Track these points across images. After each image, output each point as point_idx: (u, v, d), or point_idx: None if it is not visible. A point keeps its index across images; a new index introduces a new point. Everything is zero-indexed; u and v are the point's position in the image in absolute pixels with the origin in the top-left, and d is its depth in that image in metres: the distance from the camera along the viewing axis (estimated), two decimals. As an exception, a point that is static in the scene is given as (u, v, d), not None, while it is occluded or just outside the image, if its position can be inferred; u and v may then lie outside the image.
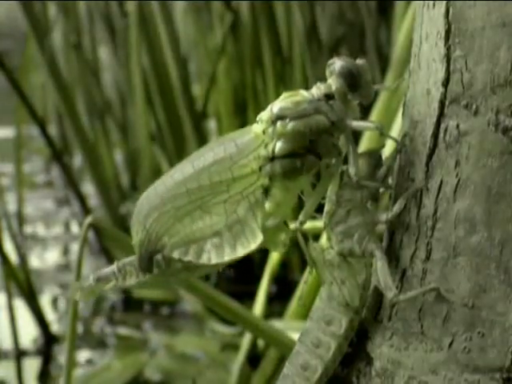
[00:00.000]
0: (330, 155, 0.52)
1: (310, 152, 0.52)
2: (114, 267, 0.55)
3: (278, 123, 0.52)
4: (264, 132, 0.53)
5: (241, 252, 0.53)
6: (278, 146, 0.52)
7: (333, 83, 0.52)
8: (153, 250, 0.53)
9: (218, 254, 0.53)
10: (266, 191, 0.53)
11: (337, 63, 0.52)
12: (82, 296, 0.56)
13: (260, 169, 0.53)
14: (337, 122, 0.52)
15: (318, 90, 0.52)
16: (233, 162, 0.53)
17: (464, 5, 0.48)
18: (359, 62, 0.52)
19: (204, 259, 0.53)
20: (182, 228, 0.53)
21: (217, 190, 0.53)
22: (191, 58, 2.14)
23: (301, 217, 0.53)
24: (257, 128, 0.53)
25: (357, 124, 0.52)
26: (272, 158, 0.52)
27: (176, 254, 0.53)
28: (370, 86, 0.52)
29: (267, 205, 0.53)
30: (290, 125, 0.51)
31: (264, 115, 0.53)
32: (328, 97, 0.52)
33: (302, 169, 0.52)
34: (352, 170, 0.51)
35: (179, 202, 0.53)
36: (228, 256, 0.53)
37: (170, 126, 1.84)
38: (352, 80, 0.52)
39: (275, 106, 0.52)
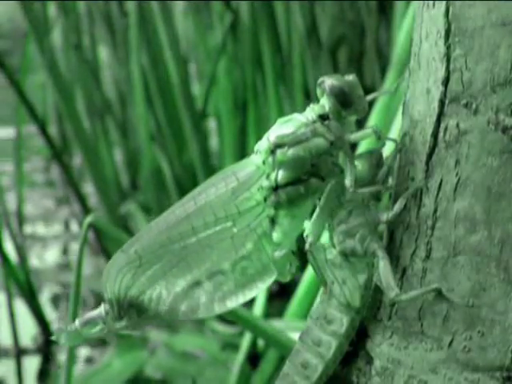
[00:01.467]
0: (333, 175, 0.52)
1: (312, 175, 0.52)
2: (101, 310, 0.53)
3: (278, 152, 0.51)
4: (264, 162, 0.52)
5: (256, 291, 0.53)
6: (281, 174, 0.52)
7: (325, 103, 0.52)
8: (135, 298, 0.52)
9: (232, 298, 0.53)
10: (272, 222, 0.53)
11: (327, 82, 0.52)
12: (68, 341, 0.54)
13: (265, 199, 0.52)
14: (335, 140, 0.51)
15: (311, 111, 0.52)
16: (236, 197, 0.52)
17: (464, 4, 0.48)
18: (348, 77, 0.52)
19: (217, 309, 0.52)
20: (188, 268, 0.52)
21: (223, 225, 0.52)
22: (191, 58, 2.14)
23: (310, 238, 0.53)
24: (256, 159, 0.53)
25: (355, 136, 0.52)
26: (275, 188, 0.52)
27: (187, 315, 0.52)
28: (363, 100, 0.52)
29: (274, 235, 0.53)
30: (290, 152, 0.51)
31: (262, 145, 0.52)
32: (323, 117, 0.52)
33: (307, 193, 0.52)
34: (348, 182, 0.51)
35: (186, 241, 0.52)
36: (243, 298, 0.53)
37: (169, 125, 1.84)
38: (344, 98, 0.51)
39: (272, 135, 0.52)
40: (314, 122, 0.52)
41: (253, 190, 0.52)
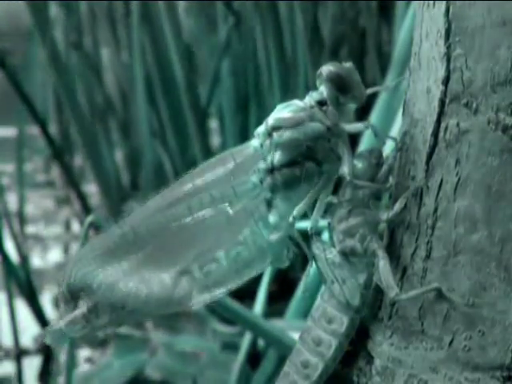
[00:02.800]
0: (329, 161, 0.53)
1: (308, 159, 0.52)
2: (84, 308, 0.53)
3: (274, 134, 0.52)
4: (262, 145, 0.53)
5: (250, 274, 0.53)
6: (277, 156, 0.52)
7: (324, 89, 0.53)
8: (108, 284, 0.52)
9: (226, 283, 0.53)
10: (269, 204, 0.53)
11: (324, 69, 0.52)
12: (52, 342, 0.54)
13: (261, 182, 0.53)
14: (332, 126, 0.52)
15: (310, 98, 0.53)
16: (233, 178, 0.53)
17: (464, 3, 0.48)
18: (346, 64, 0.52)
19: (211, 295, 0.53)
20: (182, 250, 0.52)
21: (219, 206, 0.53)
22: (195, 56, 2.14)
23: (295, 212, 0.53)
24: (255, 142, 0.53)
25: (349, 127, 0.52)
26: (271, 170, 0.52)
27: (180, 304, 0.53)
28: (361, 87, 0.52)
29: (271, 217, 0.53)
30: (286, 134, 0.52)
31: (260, 129, 0.53)
32: (321, 103, 0.52)
33: (302, 176, 0.52)
34: (345, 170, 0.51)
35: (182, 221, 0.52)
36: (239, 280, 0.53)
37: (172, 124, 1.84)
38: (341, 82, 0.52)
39: (270, 118, 0.53)
40: (312, 107, 0.52)
41: (250, 172, 0.53)
